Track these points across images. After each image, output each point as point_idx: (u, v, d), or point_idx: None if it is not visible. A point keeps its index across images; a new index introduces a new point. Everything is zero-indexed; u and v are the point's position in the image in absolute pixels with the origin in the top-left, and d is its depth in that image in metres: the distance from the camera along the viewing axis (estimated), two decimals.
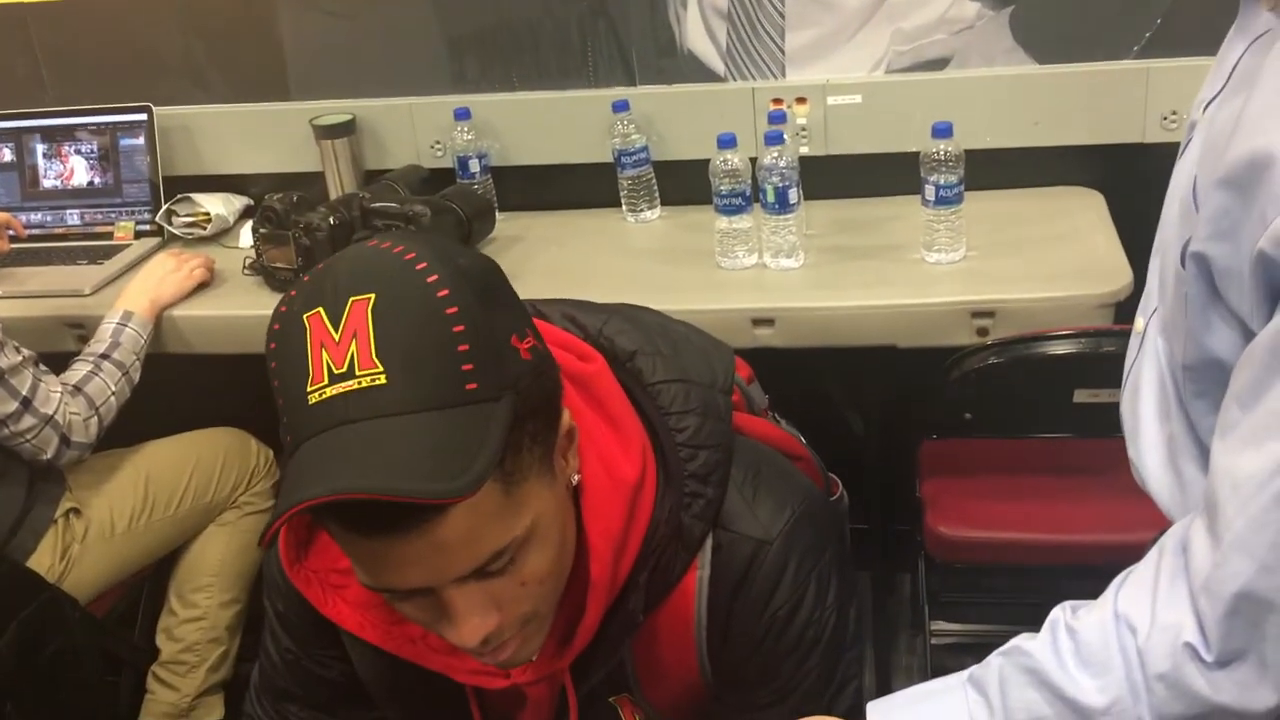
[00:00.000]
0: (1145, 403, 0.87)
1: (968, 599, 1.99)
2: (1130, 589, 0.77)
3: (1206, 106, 0.82)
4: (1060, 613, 0.80)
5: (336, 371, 0.71)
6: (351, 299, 0.72)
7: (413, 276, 0.73)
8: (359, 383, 0.70)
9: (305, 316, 0.73)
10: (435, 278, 0.73)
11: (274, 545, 0.97)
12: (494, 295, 0.77)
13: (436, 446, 0.70)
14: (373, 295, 0.72)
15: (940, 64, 1.95)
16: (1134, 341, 0.93)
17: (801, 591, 0.92)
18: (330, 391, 0.71)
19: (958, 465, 1.80)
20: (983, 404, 1.65)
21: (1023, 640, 0.81)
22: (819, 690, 0.96)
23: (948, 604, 1.96)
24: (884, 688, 2.05)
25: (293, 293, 0.76)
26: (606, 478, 0.86)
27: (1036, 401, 1.64)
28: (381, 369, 0.71)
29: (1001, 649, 0.82)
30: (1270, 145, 0.67)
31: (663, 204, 2.09)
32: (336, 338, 0.71)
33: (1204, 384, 0.79)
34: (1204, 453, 0.79)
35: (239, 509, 1.94)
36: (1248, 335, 0.70)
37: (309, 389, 0.71)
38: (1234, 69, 0.78)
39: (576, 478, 0.85)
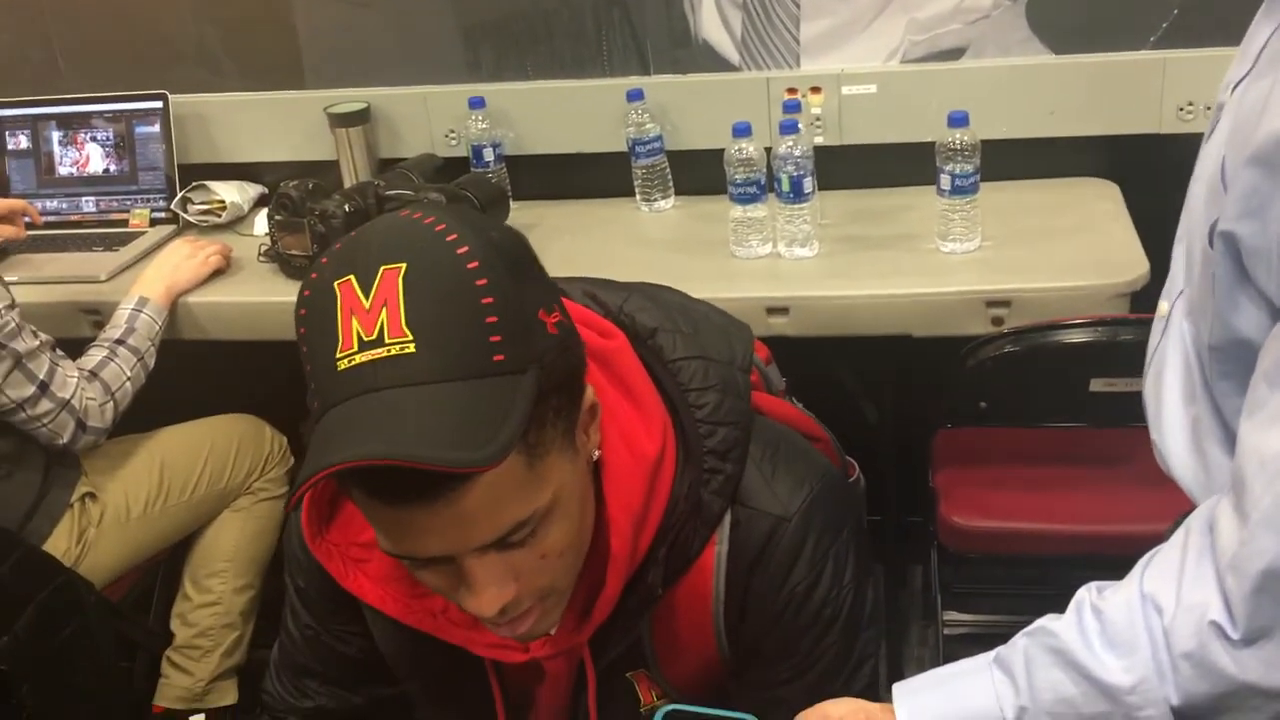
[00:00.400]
0: (1169, 386, 0.87)
1: (980, 590, 1.98)
2: (1156, 569, 0.77)
3: (1234, 88, 0.82)
4: (1086, 593, 0.80)
5: (366, 339, 0.72)
6: (383, 267, 0.73)
7: (444, 247, 0.74)
8: (388, 350, 0.71)
9: (336, 284, 0.73)
10: (466, 249, 0.74)
11: (295, 521, 0.99)
12: (523, 269, 0.77)
13: (463, 416, 0.71)
14: (404, 264, 0.73)
15: (956, 54, 1.95)
16: (1157, 325, 0.93)
17: (820, 568, 0.93)
18: (360, 359, 0.71)
19: (972, 455, 1.79)
20: (998, 393, 1.65)
21: (1048, 620, 0.81)
22: (837, 668, 0.96)
23: (960, 595, 1.96)
24: (895, 679, 2.05)
25: (324, 260, 0.77)
26: (627, 453, 0.87)
27: (1052, 391, 1.63)
28: (411, 337, 0.71)
29: (1027, 629, 0.82)
30: None
31: (677, 194, 2.09)
32: (367, 305, 0.72)
33: (1230, 364, 0.78)
34: (1229, 435, 0.79)
35: (253, 495, 1.95)
36: (1275, 314, 0.70)
37: (338, 355, 0.72)
38: (1263, 49, 0.78)
39: (598, 453, 0.85)
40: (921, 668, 2.07)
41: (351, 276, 0.73)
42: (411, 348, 0.71)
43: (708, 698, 1.00)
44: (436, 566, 0.79)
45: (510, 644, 0.91)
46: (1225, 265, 0.75)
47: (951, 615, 1.94)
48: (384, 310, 0.72)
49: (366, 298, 0.72)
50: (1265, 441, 0.69)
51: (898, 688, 0.88)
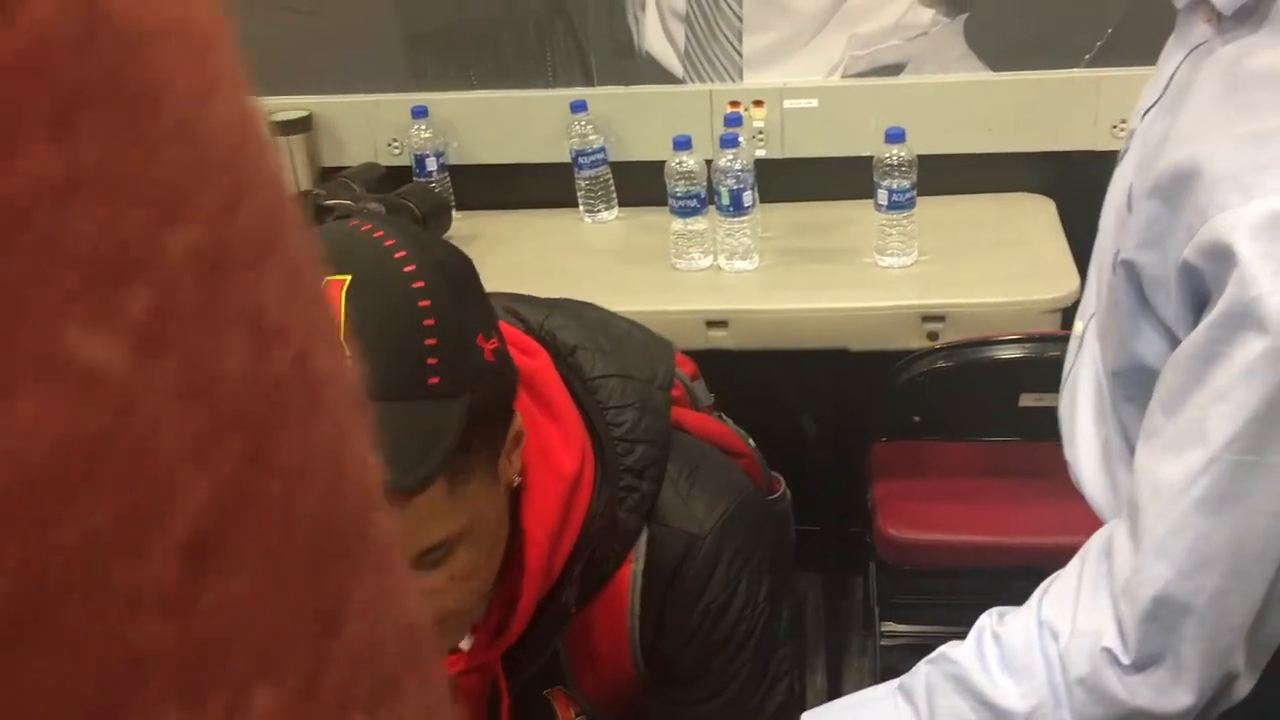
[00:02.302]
0: (1082, 406, 0.89)
1: (919, 601, 2.00)
2: (1054, 594, 0.78)
3: (1145, 115, 0.83)
4: (987, 619, 0.81)
5: None
6: (327, 277, 0.72)
7: (391, 263, 0.73)
8: None
9: None
10: (413, 268, 0.73)
11: None
12: (466, 291, 0.77)
13: (390, 439, 0.70)
14: (349, 276, 0.72)
15: (896, 69, 1.97)
16: (1073, 345, 0.94)
17: (733, 587, 0.94)
18: None
19: (908, 468, 1.81)
20: (931, 407, 1.67)
21: (949, 648, 0.82)
22: (751, 686, 0.96)
23: (899, 606, 1.97)
24: (835, 689, 2.06)
25: None
26: (546, 471, 0.87)
27: (984, 405, 1.65)
28: (349, 353, 0.70)
29: (929, 656, 0.83)
30: (1195, 157, 0.68)
31: (621, 204, 2.09)
32: None
33: (1132, 389, 0.80)
34: (1134, 457, 0.81)
35: None
36: (1174, 342, 0.72)
37: None
38: (1171, 79, 0.80)
39: (518, 480, 0.85)
40: (860, 678, 2.10)
41: None
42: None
43: (626, 716, 1.01)
44: None
45: None
46: (1127, 292, 0.77)
47: (889, 626, 1.95)
48: None
49: None
50: (1159, 469, 0.70)
51: (807, 716, 0.89)
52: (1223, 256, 0.64)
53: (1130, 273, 0.75)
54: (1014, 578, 1.72)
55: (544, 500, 0.86)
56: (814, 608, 2.19)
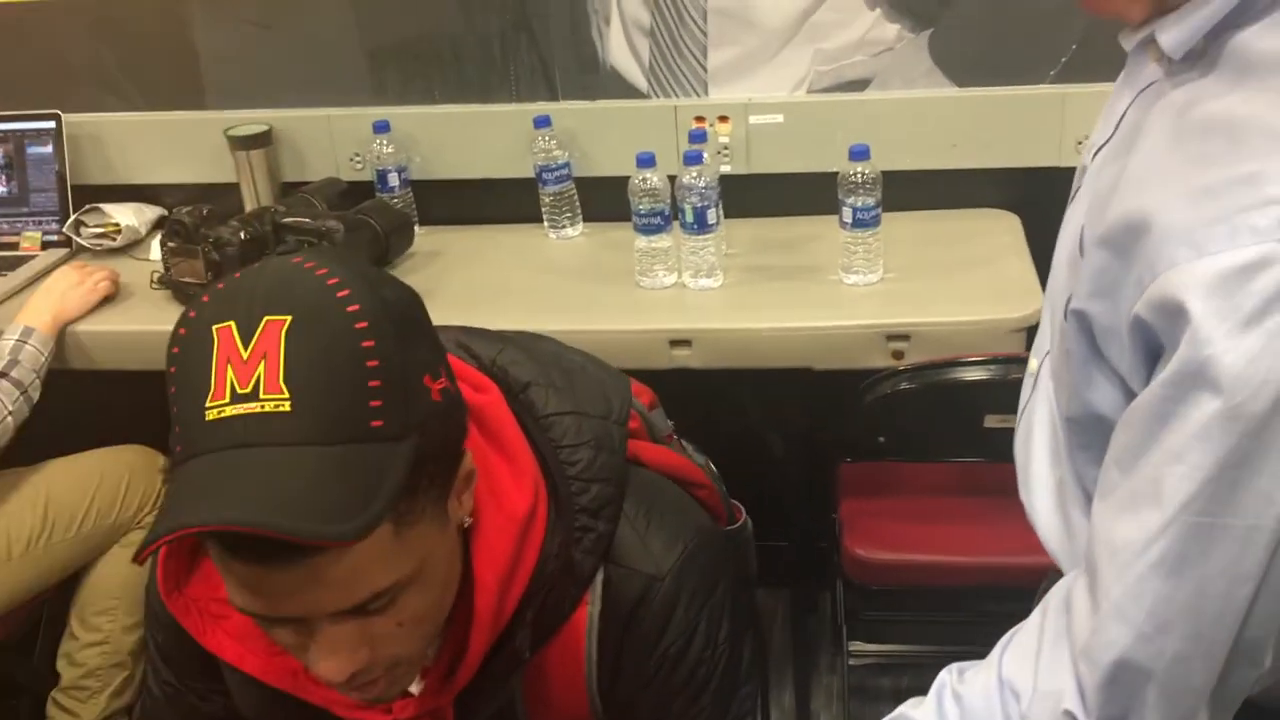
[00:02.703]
0: (1037, 446, 0.87)
1: (887, 618, 1.99)
2: (1014, 651, 0.76)
3: (1096, 153, 0.82)
4: (947, 676, 0.79)
5: (240, 391, 0.69)
6: (266, 318, 0.70)
7: (333, 303, 0.71)
8: (261, 406, 0.68)
9: (215, 328, 0.70)
10: (356, 308, 0.71)
11: (154, 574, 0.94)
12: (413, 331, 0.75)
13: (331, 484, 0.68)
14: (289, 317, 0.70)
15: (861, 85, 1.96)
16: (1028, 381, 0.92)
17: (693, 629, 0.91)
18: (230, 411, 0.69)
19: (874, 488, 1.80)
20: (896, 428, 1.66)
21: (909, 708, 0.80)
22: None
23: (866, 623, 1.96)
24: (803, 707, 2.05)
25: (205, 298, 0.73)
26: (497, 511, 0.85)
27: (949, 426, 1.64)
28: (287, 395, 0.69)
29: (889, 716, 0.81)
30: (1145, 209, 0.67)
31: (586, 220, 2.07)
32: (245, 356, 0.69)
33: (1087, 437, 0.78)
34: (1090, 501, 0.79)
35: (144, 529, 1.88)
36: (1129, 394, 0.70)
37: (208, 404, 0.69)
38: (1121, 119, 0.78)
39: (469, 520, 0.83)
40: (829, 696, 2.09)
41: (232, 323, 0.70)
42: (286, 406, 0.69)
43: None
44: (288, 626, 0.76)
45: (372, 706, 0.88)
46: (1078, 342, 0.75)
47: (857, 645, 1.94)
48: (262, 363, 0.69)
49: (245, 348, 0.69)
50: (1115, 529, 0.69)
51: None
52: (1174, 314, 0.63)
53: (1082, 322, 0.74)
54: (980, 597, 1.73)
55: (495, 540, 0.84)
56: (782, 625, 2.18)
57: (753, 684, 0.99)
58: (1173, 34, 0.70)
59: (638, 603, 0.90)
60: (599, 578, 0.90)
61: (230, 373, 0.69)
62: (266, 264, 0.76)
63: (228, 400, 0.69)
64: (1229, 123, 0.65)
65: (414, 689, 0.91)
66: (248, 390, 0.69)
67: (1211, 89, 0.68)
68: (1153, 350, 0.67)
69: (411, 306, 0.77)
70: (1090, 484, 0.78)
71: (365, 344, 0.71)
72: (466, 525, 0.83)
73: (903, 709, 0.80)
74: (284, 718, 0.95)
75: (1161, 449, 0.65)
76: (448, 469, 0.78)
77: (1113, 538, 0.69)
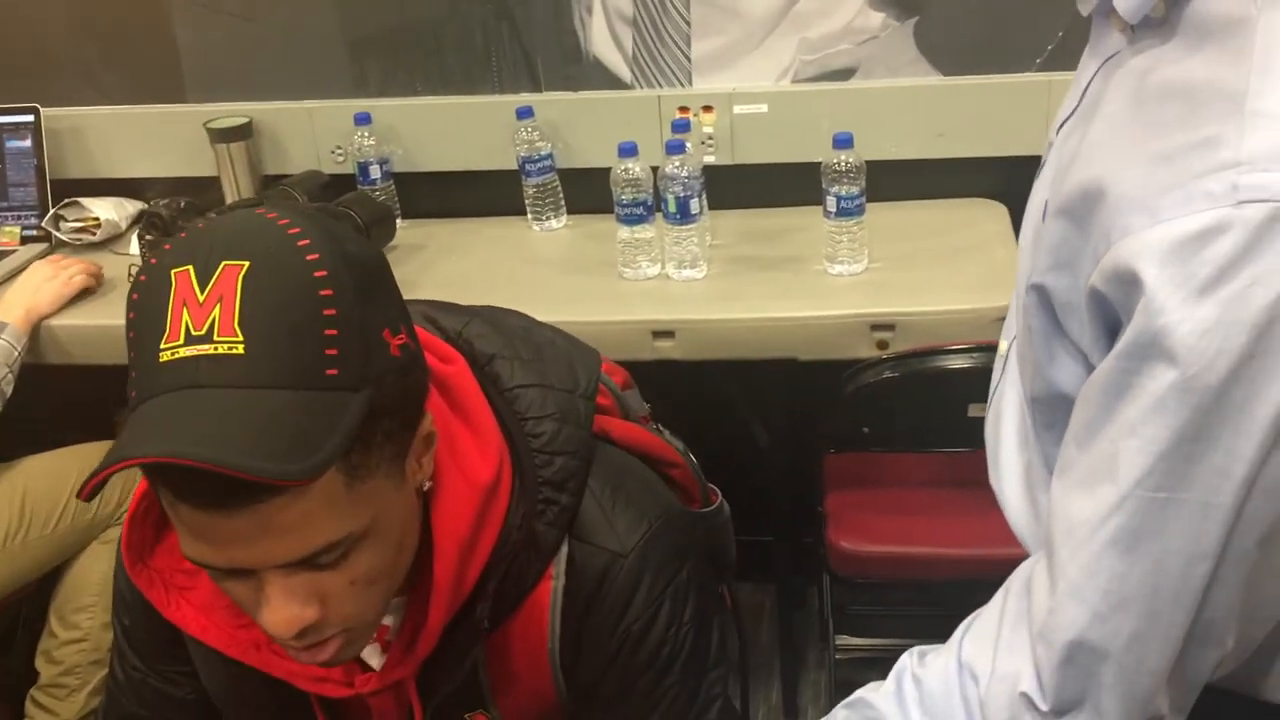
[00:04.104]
0: (1006, 431, 0.86)
1: (874, 612, 1.97)
2: (975, 634, 0.75)
3: (1060, 127, 0.80)
4: (907, 660, 0.77)
5: (194, 333, 0.69)
6: (225, 262, 0.70)
7: (293, 252, 0.72)
8: (215, 348, 0.69)
9: (173, 271, 0.71)
10: (316, 257, 0.71)
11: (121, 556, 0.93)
12: (374, 286, 0.75)
13: (282, 426, 0.68)
14: (247, 263, 0.70)
15: (846, 74, 1.94)
16: (998, 364, 0.91)
17: (656, 607, 0.91)
18: (183, 352, 0.69)
19: (859, 479, 1.78)
20: (880, 418, 1.64)
21: (868, 691, 0.78)
22: (681, 709, 0.94)
23: (853, 617, 1.95)
24: (790, 701, 2.04)
25: (167, 246, 0.74)
26: (461, 480, 0.85)
27: (932, 415, 1.62)
28: (241, 339, 0.69)
29: (847, 700, 0.80)
30: (1102, 176, 0.65)
31: (570, 211, 2.05)
32: (201, 299, 0.70)
33: (1051, 416, 0.77)
34: None
35: (122, 525, 1.86)
36: (1090, 369, 0.68)
37: (162, 345, 0.70)
38: (1085, 91, 0.77)
39: (429, 484, 0.83)
40: (816, 691, 2.07)
41: (190, 267, 0.71)
42: (240, 349, 0.69)
43: None
44: (240, 579, 0.76)
45: (334, 677, 0.88)
46: (1039, 318, 0.74)
47: (844, 639, 1.93)
48: (218, 306, 0.69)
49: (202, 291, 0.70)
50: (1071, 506, 0.67)
51: None
52: (1129, 283, 0.61)
53: (1042, 297, 0.72)
54: (966, 589, 1.71)
55: (456, 508, 0.84)
56: (769, 619, 2.16)
57: (723, 668, 0.98)
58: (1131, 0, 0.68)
59: (601, 579, 0.90)
60: (563, 552, 0.90)
61: (186, 315, 0.70)
62: (233, 214, 0.77)
63: (182, 341, 0.69)
64: (1186, 87, 0.63)
65: (375, 663, 0.90)
66: (202, 332, 0.69)
67: (1171, 55, 0.66)
68: (1111, 324, 0.65)
69: (372, 261, 0.77)
70: (1055, 462, 0.76)
71: (323, 292, 0.71)
72: (426, 489, 0.83)
73: (861, 692, 0.79)
74: (249, 694, 0.94)
75: (1117, 423, 0.63)
76: (405, 426, 0.77)
77: (1069, 515, 0.67)
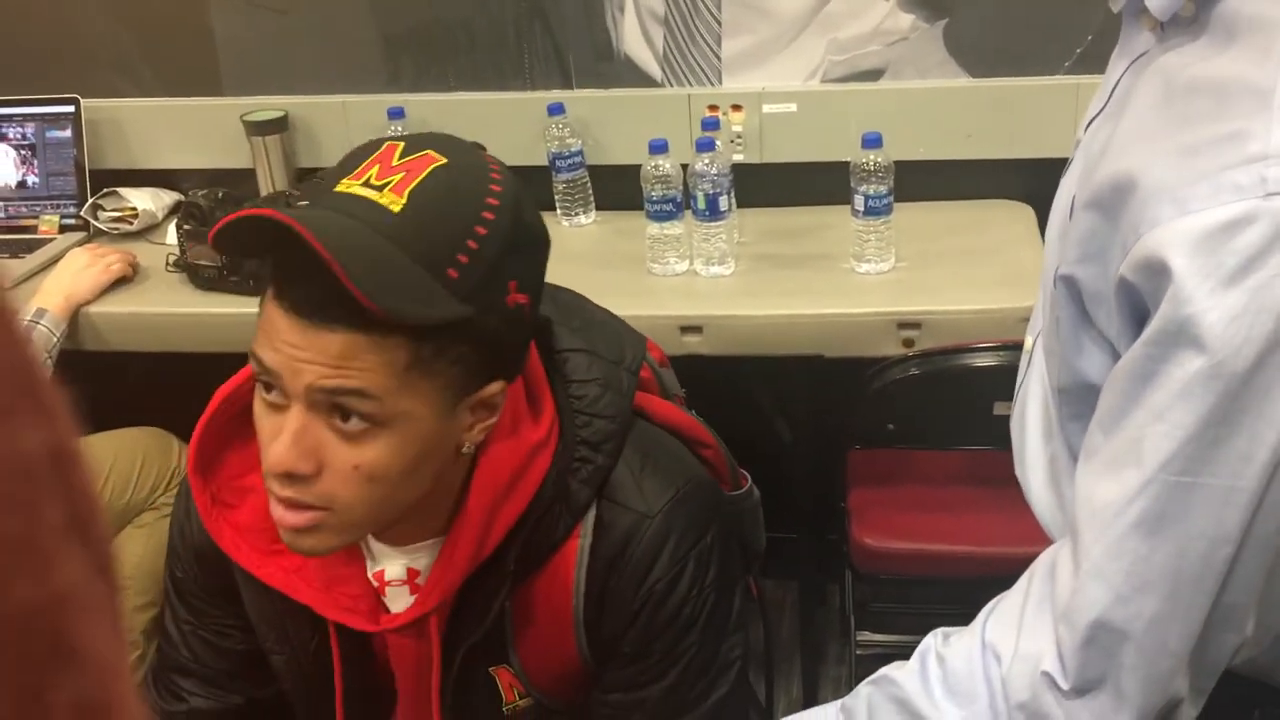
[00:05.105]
0: (1031, 423, 0.87)
1: (895, 609, 1.98)
2: (998, 616, 0.76)
3: (1089, 125, 0.82)
4: (932, 640, 0.79)
5: (374, 182, 0.78)
6: (429, 150, 0.81)
7: (483, 179, 0.81)
8: (381, 197, 0.78)
9: (386, 141, 0.82)
10: (496, 192, 0.81)
11: (180, 502, 1.00)
12: (524, 246, 0.83)
13: (399, 276, 0.76)
14: (445, 159, 0.80)
15: (875, 75, 1.96)
16: (1023, 360, 0.93)
17: (680, 567, 0.94)
18: (356, 189, 0.78)
19: (883, 476, 1.80)
20: (905, 415, 1.65)
21: (892, 669, 0.80)
22: (698, 670, 0.96)
23: (875, 614, 1.96)
24: (810, 698, 2.05)
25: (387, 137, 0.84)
26: (510, 433, 0.89)
27: (957, 413, 1.64)
28: (404, 202, 0.78)
29: (871, 677, 0.82)
30: (1131, 169, 0.67)
31: (599, 208, 2.07)
32: (394, 163, 0.79)
33: (1078, 407, 0.78)
34: None
35: (157, 510, 1.90)
36: (1117, 359, 0.70)
37: (344, 180, 0.79)
38: (1114, 89, 0.78)
39: (468, 448, 0.86)
40: (837, 687, 2.08)
41: (402, 144, 0.81)
42: (398, 208, 0.77)
43: (572, 701, 1.00)
44: (275, 413, 0.81)
45: (360, 609, 0.92)
46: (1068, 309, 0.75)
47: (865, 635, 1.94)
48: (402, 174, 0.78)
49: (398, 159, 0.79)
50: (1096, 490, 0.69)
51: None
52: (1157, 272, 0.63)
53: (1070, 288, 0.74)
54: (989, 586, 1.72)
55: (500, 458, 0.88)
56: (790, 615, 2.17)
57: (741, 635, 1.01)
58: None
59: (627, 539, 0.93)
60: (591, 513, 0.93)
61: (375, 168, 0.79)
62: (447, 135, 0.86)
63: (359, 183, 0.79)
64: (1215, 83, 0.65)
65: (397, 608, 0.93)
66: (379, 184, 0.78)
67: (1200, 52, 0.68)
68: (1139, 313, 0.67)
69: (536, 233, 0.85)
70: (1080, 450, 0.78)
71: (485, 215, 0.79)
72: (465, 451, 0.87)
73: (886, 670, 0.81)
74: (289, 630, 0.98)
75: (1143, 408, 0.65)
76: (478, 370, 0.82)
77: (1094, 498, 0.69)
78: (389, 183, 0.78)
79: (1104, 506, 0.67)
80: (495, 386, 0.84)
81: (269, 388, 0.81)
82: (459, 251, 0.77)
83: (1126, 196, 0.66)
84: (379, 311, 0.74)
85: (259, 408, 0.83)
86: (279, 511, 0.83)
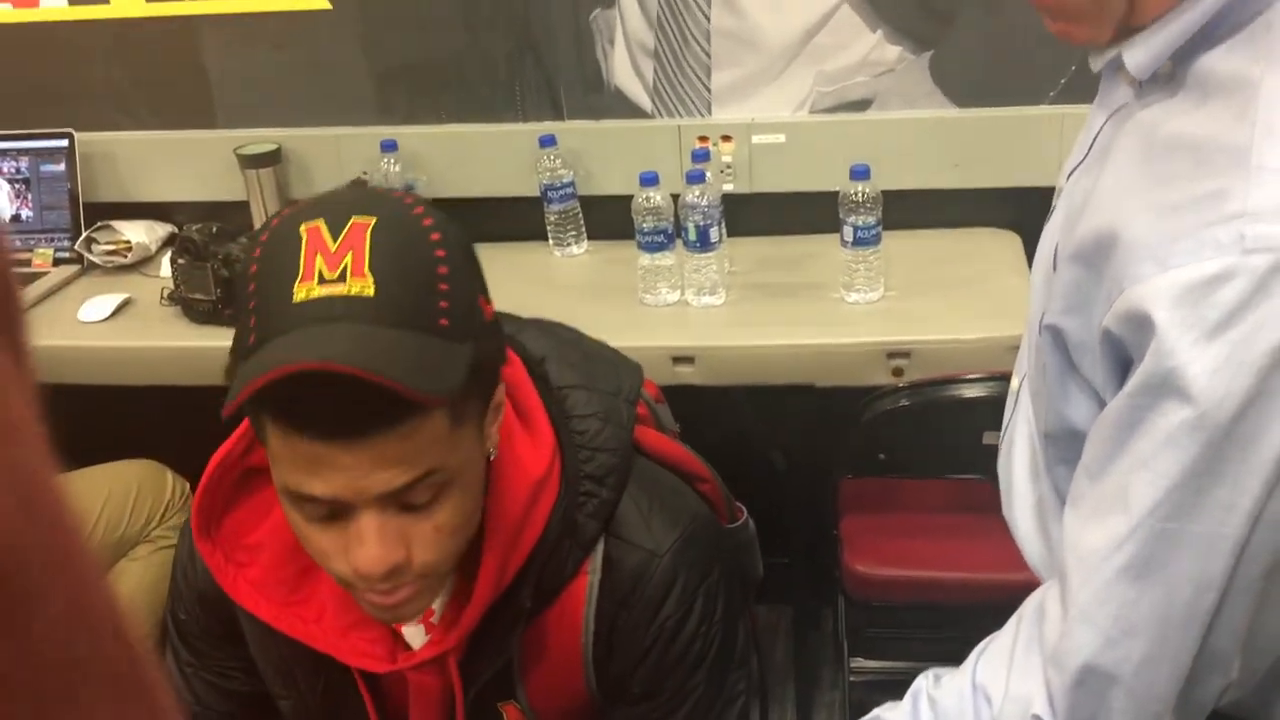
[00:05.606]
0: (1018, 463, 0.89)
1: (888, 635, 1.99)
2: (989, 657, 0.78)
3: (1070, 175, 0.83)
4: (923, 681, 0.81)
5: (328, 276, 0.75)
6: (354, 217, 0.77)
7: (411, 216, 0.79)
8: (349, 288, 0.75)
9: (303, 225, 0.77)
10: (430, 222, 0.79)
11: (183, 549, 1.00)
12: (472, 259, 0.83)
13: (411, 356, 0.74)
14: (374, 218, 0.77)
15: (863, 105, 1.98)
16: (1010, 401, 0.94)
17: (689, 605, 0.95)
18: (319, 291, 0.75)
19: (875, 504, 1.81)
20: (896, 445, 1.67)
21: (884, 711, 0.82)
22: (705, 706, 0.98)
23: (868, 640, 1.97)
24: None
25: (285, 211, 0.81)
26: (515, 470, 0.90)
27: (947, 443, 1.65)
28: (372, 281, 0.75)
29: (864, 719, 0.83)
30: (1113, 223, 0.68)
31: (591, 237, 2.09)
32: (333, 247, 0.76)
33: (1064, 451, 0.80)
34: None
35: (152, 543, 1.90)
36: (1102, 406, 0.71)
37: (297, 287, 0.75)
38: (1094, 140, 0.80)
39: (494, 452, 0.88)
40: (830, 713, 2.09)
41: (321, 220, 0.77)
42: (370, 290, 0.75)
43: None
44: (332, 523, 0.80)
45: (378, 654, 0.92)
46: (1054, 357, 0.77)
47: (859, 661, 1.95)
48: (350, 254, 0.75)
49: (334, 240, 0.76)
50: (1083, 535, 0.70)
51: None
52: (1141, 325, 0.65)
53: (1056, 338, 0.76)
54: (980, 613, 1.73)
55: (509, 493, 0.89)
56: (784, 640, 2.18)
57: (746, 669, 1.02)
58: (1139, 56, 0.72)
59: (637, 577, 0.94)
60: (600, 548, 0.94)
61: (319, 260, 0.75)
62: (345, 188, 0.85)
63: (316, 283, 0.75)
64: (1193, 141, 0.67)
65: (417, 644, 0.94)
66: (335, 275, 0.75)
67: (1178, 109, 0.70)
68: (1123, 362, 0.69)
69: (469, 243, 0.84)
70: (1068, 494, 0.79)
71: (438, 253, 0.78)
72: (491, 457, 0.88)
73: (878, 711, 0.82)
74: (301, 676, 0.98)
75: (1129, 456, 0.67)
76: (489, 386, 0.84)
77: (1081, 544, 0.70)
78: (344, 268, 0.75)
79: (1091, 552, 0.69)
80: (499, 390, 0.87)
81: (316, 505, 0.79)
82: (438, 299, 0.77)
83: (1109, 251, 0.68)
84: (428, 400, 0.74)
85: (305, 527, 0.81)
86: (375, 599, 0.83)
